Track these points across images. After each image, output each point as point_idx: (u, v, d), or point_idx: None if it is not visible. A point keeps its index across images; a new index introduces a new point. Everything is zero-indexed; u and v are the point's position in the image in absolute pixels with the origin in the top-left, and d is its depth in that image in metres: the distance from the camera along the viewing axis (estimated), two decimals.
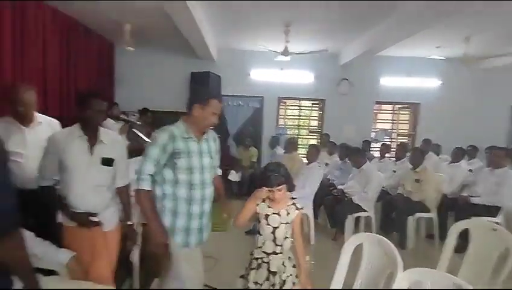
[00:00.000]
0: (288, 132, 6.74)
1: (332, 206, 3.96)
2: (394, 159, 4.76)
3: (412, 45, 5.10)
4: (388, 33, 4.26)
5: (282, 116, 6.79)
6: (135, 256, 2.41)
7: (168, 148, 1.72)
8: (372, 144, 6.21)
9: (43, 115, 2.36)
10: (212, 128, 1.97)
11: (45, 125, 2.32)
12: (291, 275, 1.76)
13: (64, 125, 2.46)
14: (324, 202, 4.12)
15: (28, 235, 1.66)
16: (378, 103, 6.74)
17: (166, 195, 1.77)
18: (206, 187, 1.84)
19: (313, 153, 4.03)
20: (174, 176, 1.75)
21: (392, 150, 5.36)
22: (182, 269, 1.80)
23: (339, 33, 4.84)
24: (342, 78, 6.30)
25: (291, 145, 4.69)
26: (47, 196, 1.86)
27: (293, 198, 3.86)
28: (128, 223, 2.00)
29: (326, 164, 5.04)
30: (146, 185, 1.73)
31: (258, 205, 1.80)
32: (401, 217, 3.64)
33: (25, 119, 2.19)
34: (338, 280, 1.76)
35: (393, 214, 3.77)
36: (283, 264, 1.76)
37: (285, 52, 4.66)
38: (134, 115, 4.58)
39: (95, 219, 1.77)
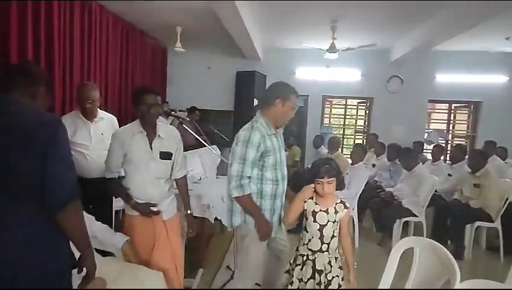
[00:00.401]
0: (333, 132, 6.58)
1: (379, 209, 3.78)
2: (450, 162, 4.40)
3: (473, 38, 4.66)
4: (445, 26, 3.94)
5: (327, 115, 6.64)
6: (182, 246, 2.53)
7: (261, 147, 1.75)
8: (425, 145, 5.80)
9: (103, 111, 2.57)
10: None
11: (106, 120, 2.54)
12: (337, 276, 1.73)
13: (120, 121, 2.69)
14: (370, 204, 3.95)
15: (88, 218, 1.82)
16: (432, 101, 6.28)
17: (251, 193, 1.79)
18: (285, 182, 1.92)
19: (358, 152, 3.88)
20: (260, 174, 1.80)
21: (447, 152, 4.96)
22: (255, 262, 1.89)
23: (389, 27, 4.60)
24: (392, 75, 5.98)
25: (334, 144, 4.56)
26: (110, 186, 1.97)
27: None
28: (188, 212, 2.06)
29: (373, 165, 4.82)
30: (248, 189, 1.76)
31: (305, 201, 1.79)
32: (458, 224, 3.36)
33: (90, 115, 2.41)
34: (385, 285, 1.68)
35: (448, 221, 3.49)
36: (329, 263, 1.73)
37: (332, 49, 4.55)
38: (182, 114, 4.83)
39: (155, 209, 1.86)
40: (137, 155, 1.83)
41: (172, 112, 2.65)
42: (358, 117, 6.83)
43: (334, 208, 1.76)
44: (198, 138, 2.50)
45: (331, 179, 1.71)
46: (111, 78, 4.19)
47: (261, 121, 1.82)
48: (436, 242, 1.62)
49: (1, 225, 1.09)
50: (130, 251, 1.83)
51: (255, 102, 5.58)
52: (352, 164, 3.95)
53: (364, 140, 6.41)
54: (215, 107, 6.09)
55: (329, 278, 1.71)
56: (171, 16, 4.32)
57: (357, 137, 6.78)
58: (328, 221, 1.74)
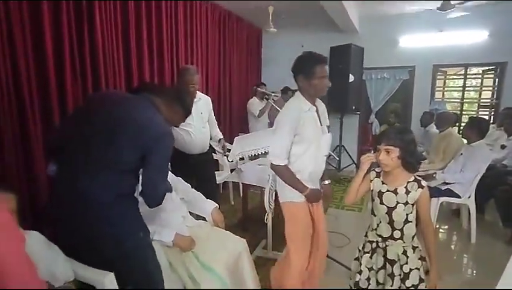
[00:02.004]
0: (447, 107, 5.62)
1: (508, 200, 3.12)
2: None
3: None
4: None
5: (439, 88, 5.70)
6: (269, 221, 2.64)
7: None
8: None
9: (200, 92, 2.82)
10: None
11: (203, 100, 2.80)
12: (417, 268, 1.49)
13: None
14: (496, 193, 3.28)
15: (185, 186, 2.08)
16: None
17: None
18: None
19: (473, 129, 3.15)
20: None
21: None
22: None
23: None
24: None
25: (444, 119, 3.90)
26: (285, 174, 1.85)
27: (446, 183, 3.27)
28: (326, 182, 2.06)
29: (503, 147, 3.94)
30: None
31: (371, 180, 1.60)
32: None
33: (192, 96, 2.64)
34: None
35: None
36: (404, 253, 1.50)
37: (446, 6, 3.77)
38: (276, 95, 4.90)
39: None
40: (311, 133, 1.79)
41: (266, 93, 2.77)
42: (484, 88, 5.63)
43: (405, 187, 1.50)
44: None
45: (389, 147, 1.46)
46: (211, 62, 4.56)
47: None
48: None
49: (103, 193, 1.33)
50: (218, 217, 2.01)
51: (351, 78, 5.22)
52: (468, 143, 3.32)
53: (492, 116, 5.27)
54: None
55: (405, 271, 1.48)
56: None
57: (481, 113, 5.63)
58: (398, 203, 1.50)
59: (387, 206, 1.53)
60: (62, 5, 2.33)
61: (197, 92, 2.76)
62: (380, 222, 1.56)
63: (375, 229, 1.59)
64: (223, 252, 1.77)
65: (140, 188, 1.40)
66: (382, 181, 1.57)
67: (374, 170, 1.61)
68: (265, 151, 2.32)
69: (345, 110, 5.40)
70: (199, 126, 2.69)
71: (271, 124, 4.84)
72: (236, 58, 5.31)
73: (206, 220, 2.04)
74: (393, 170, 1.51)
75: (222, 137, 2.99)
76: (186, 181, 2.64)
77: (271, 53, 6.26)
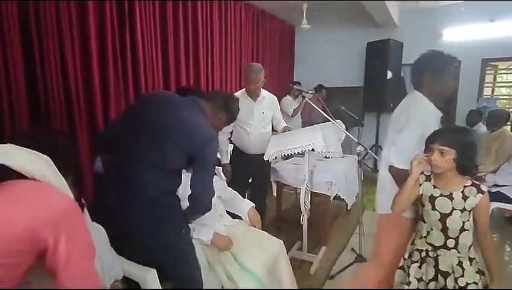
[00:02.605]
0: (497, 105, 5.19)
1: None
2: None
3: None
4: None
5: (489, 85, 5.28)
6: (305, 222, 2.58)
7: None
8: None
9: (265, 91, 2.73)
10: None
11: (267, 99, 2.70)
12: (475, 283, 1.34)
13: None
14: None
15: (222, 184, 2.08)
16: None
17: None
18: None
19: None
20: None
21: None
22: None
23: None
24: None
25: (496, 118, 3.60)
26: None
27: (497, 185, 3.02)
28: None
29: None
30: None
31: (420, 184, 1.45)
32: None
33: (254, 94, 2.62)
34: None
35: None
36: (460, 264, 1.36)
37: None
38: (309, 92, 4.78)
39: None
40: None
41: (303, 90, 2.67)
42: None
43: (462, 192, 1.35)
44: (324, 113, 2.43)
45: (444, 147, 1.31)
46: (244, 61, 4.55)
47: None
48: None
49: (150, 189, 1.36)
50: (255, 217, 1.99)
51: (389, 74, 4.99)
52: None
53: None
54: (343, 84, 5.78)
55: (461, 284, 1.34)
56: None
57: None
58: (453, 209, 1.35)
59: (441, 213, 1.39)
60: (106, 5, 2.43)
61: (262, 90, 2.67)
62: (431, 229, 1.42)
63: (425, 237, 1.45)
64: (261, 253, 1.74)
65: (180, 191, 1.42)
66: (433, 185, 1.43)
67: (422, 172, 1.48)
68: (302, 151, 2.25)
69: (382, 108, 5.17)
70: (259, 126, 2.63)
71: (304, 123, 4.74)
72: (269, 57, 5.28)
73: (242, 219, 2.03)
74: (446, 173, 1.38)
75: (286, 125, 2.79)
76: (241, 178, 2.70)
77: (304, 51, 6.15)
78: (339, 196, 2.94)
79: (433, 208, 1.40)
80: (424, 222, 1.46)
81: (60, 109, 2.17)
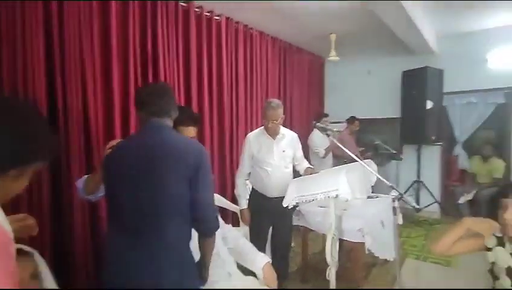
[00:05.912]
0: None
1: None
2: None
3: None
4: None
5: None
6: (332, 277, 2.23)
7: None
8: None
9: (285, 128, 2.57)
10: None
11: (287, 137, 2.52)
12: None
13: None
14: None
15: (235, 234, 1.88)
16: None
17: None
18: None
19: None
20: None
21: None
22: None
23: None
24: None
25: None
26: None
27: None
28: None
29: None
30: None
31: (489, 248, 1.19)
32: None
33: (273, 132, 2.45)
34: None
35: None
36: None
37: None
38: (333, 130, 4.44)
39: None
40: None
41: (325, 128, 2.44)
42: None
43: None
44: (347, 151, 2.18)
45: None
46: (271, 95, 4.47)
47: None
48: None
49: (157, 243, 1.23)
50: (271, 276, 1.74)
51: (429, 104, 4.60)
52: None
53: None
54: (378, 115, 5.45)
55: None
56: (324, 25, 4.19)
57: None
58: None
59: None
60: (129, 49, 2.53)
61: (282, 127, 2.50)
62: None
63: None
64: None
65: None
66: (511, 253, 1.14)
67: (494, 235, 1.19)
68: (327, 197, 1.99)
69: (423, 140, 4.74)
70: (280, 165, 2.43)
71: (337, 158, 4.37)
72: (297, 90, 5.15)
73: (256, 276, 1.79)
74: None
75: (309, 166, 2.59)
76: (260, 226, 2.50)
77: (335, 81, 5.97)
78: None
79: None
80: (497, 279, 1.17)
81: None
